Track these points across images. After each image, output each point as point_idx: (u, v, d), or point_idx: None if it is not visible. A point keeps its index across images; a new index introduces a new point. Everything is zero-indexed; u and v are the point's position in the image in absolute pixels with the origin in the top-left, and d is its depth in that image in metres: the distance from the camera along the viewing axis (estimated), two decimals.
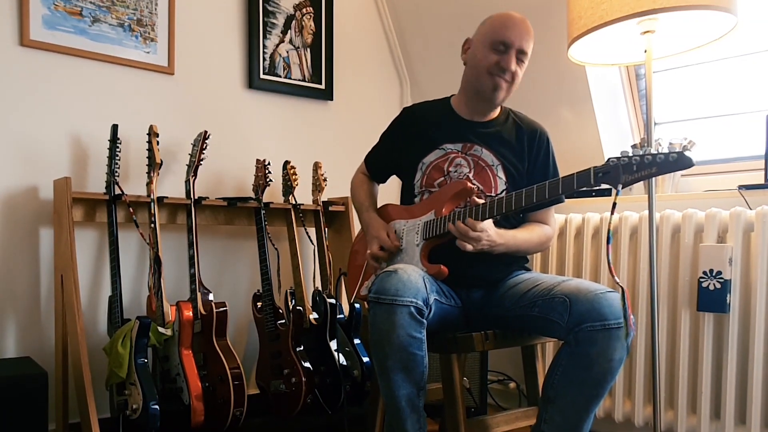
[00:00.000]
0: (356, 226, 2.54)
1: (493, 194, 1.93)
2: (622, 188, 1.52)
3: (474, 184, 1.91)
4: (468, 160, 1.96)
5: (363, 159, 2.27)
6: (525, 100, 2.14)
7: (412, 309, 1.63)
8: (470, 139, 1.98)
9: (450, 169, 1.96)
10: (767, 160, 2.14)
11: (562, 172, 2.01)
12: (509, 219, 1.95)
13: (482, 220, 1.76)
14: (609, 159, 1.54)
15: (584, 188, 1.61)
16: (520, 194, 1.71)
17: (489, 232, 1.75)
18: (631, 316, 1.53)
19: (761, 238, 2.01)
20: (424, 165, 2.00)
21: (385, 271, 1.70)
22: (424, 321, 1.67)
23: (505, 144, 1.97)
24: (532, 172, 1.97)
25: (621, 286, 1.47)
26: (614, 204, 1.51)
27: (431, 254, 1.89)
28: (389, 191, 2.41)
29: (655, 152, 1.47)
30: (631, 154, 1.51)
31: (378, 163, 2.21)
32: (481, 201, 1.79)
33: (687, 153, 1.44)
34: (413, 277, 1.67)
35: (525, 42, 1.90)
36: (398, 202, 2.10)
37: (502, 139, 1.98)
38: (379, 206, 2.15)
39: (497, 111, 2.03)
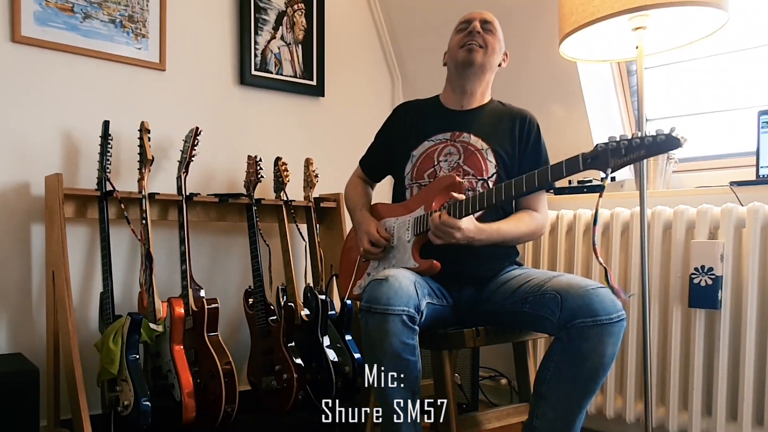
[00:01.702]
0: (347, 223, 2.54)
1: (484, 177, 1.93)
2: (612, 172, 1.51)
3: (463, 177, 1.91)
4: (457, 147, 1.97)
5: (356, 158, 2.28)
6: (516, 96, 2.14)
7: (404, 317, 1.62)
8: (458, 127, 2.00)
9: (440, 158, 1.97)
10: (758, 157, 2.15)
11: None
12: (498, 210, 1.95)
13: (472, 211, 1.75)
14: (597, 144, 1.54)
15: (574, 174, 1.60)
16: (510, 184, 1.70)
17: (466, 227, 1.75)
18: (618, 289, 1.55)
19: (752, 234, 2.01)
20: (414, 157, 2.01)
21: (376, 279, 1.69)
22: (416, 328, 1.66)
23: (493, 129, 1.98)
24: (522, 157, 1.97)
25: (604, 267, 1.49)
26: (602, 188, 1.51)
27: (423, 252, 1.89)
28: (382, 193, 2.41)
29: (643, 134, 1.47)
30: (618, 138, 1.51)
31: (373, 160, 2.22)
32: (461, 197, 1.78)
33: (674, 134, 1.43)
34: (404, 284, 1.67)
35: (485, 14, 2.00)
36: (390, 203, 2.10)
37: (491, 125, 1.99)
38: None
39: (485, 99, 2.04)
